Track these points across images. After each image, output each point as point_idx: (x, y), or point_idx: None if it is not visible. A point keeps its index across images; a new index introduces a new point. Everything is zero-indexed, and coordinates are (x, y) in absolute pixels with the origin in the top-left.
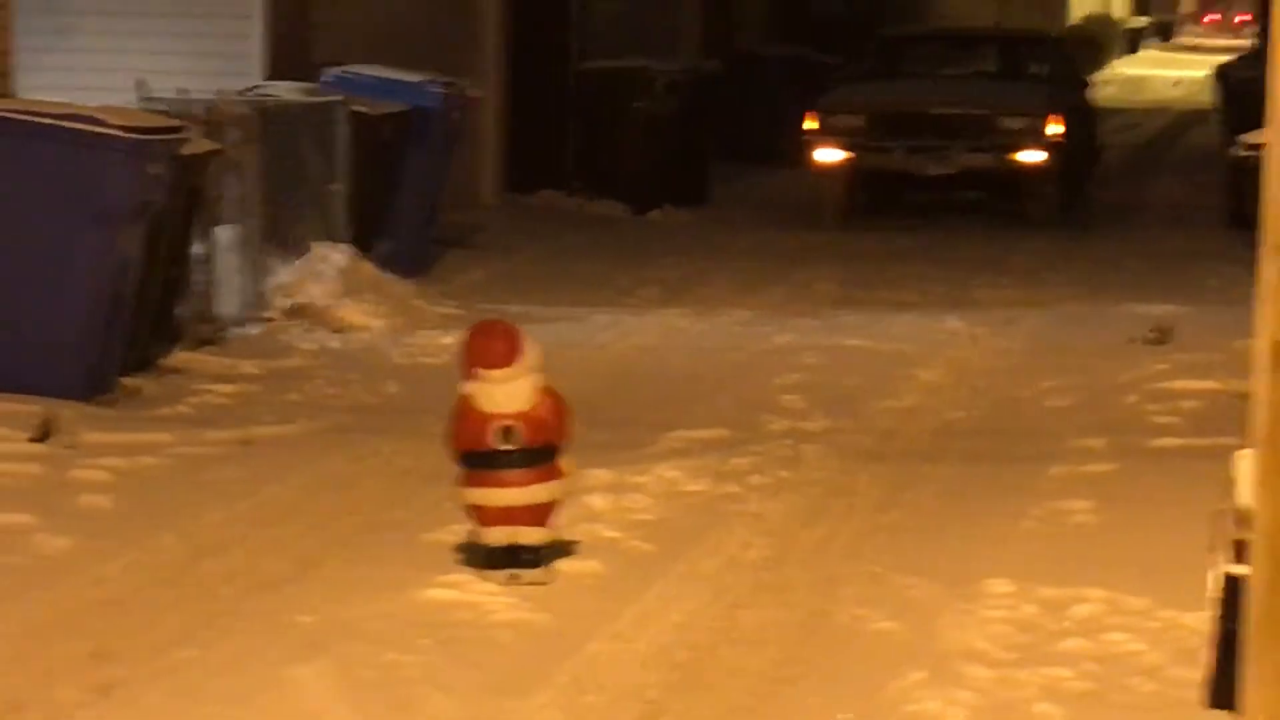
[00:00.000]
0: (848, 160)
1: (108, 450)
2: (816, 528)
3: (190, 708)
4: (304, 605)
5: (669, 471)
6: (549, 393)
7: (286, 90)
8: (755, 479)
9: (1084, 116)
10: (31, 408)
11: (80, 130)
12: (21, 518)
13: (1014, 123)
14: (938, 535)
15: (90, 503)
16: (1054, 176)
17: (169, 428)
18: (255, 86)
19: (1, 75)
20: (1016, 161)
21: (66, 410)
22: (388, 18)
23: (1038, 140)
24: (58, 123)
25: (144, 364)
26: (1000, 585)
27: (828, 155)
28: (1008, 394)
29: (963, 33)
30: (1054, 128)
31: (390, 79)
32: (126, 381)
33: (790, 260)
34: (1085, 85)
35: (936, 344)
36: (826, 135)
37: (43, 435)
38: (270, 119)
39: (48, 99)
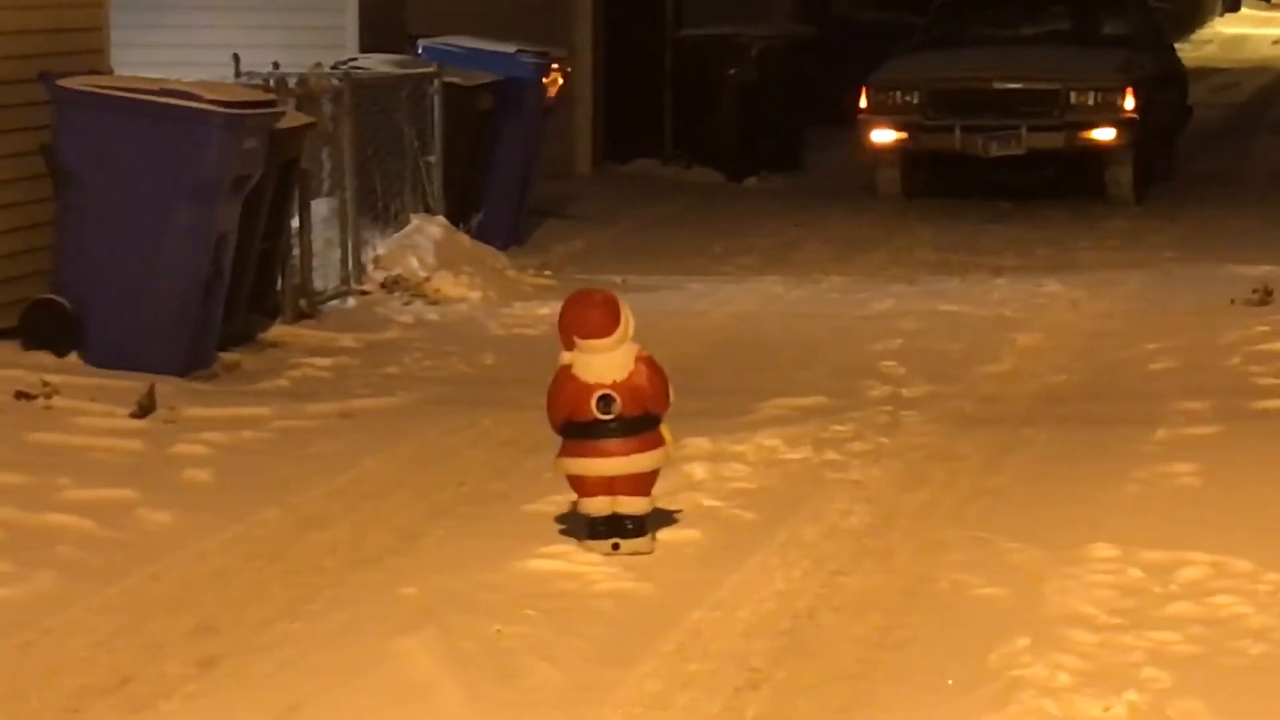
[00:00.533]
0: (902, 141)
1: (208, 425)
2: (918, 493)
3: (295, 680)
4: (408, 577)
5: (769, 439)
6: (648, 362)
7: (380, 63)
8: (855, 445)
9: (1169, 80)
10: (132, 384)
11: (176, 105)
12: (124, 493)
13: (1086, 97)
14: (1040, 500)
15: (192, 477)
16: (1130, 156)
17: (269, 401)
18: (349, 59)
19: (97, 52)
20: (1089, 140)
21: (166, 386)
22: None
23: (1112, 116)
24: (154, 99)
25: (243, 338)
26: (1104, 549)
27: (882, 136)
28: (1109, 357)
29: None
30: (1130, 101)
31: (483, 49)
32: (225, 356)
33: (887, 225)
34: (1170, 46)
35: (1036, 308)
36: (880, 114)
37: (143, 411)
38: (364, 92)
39: (143, 75)
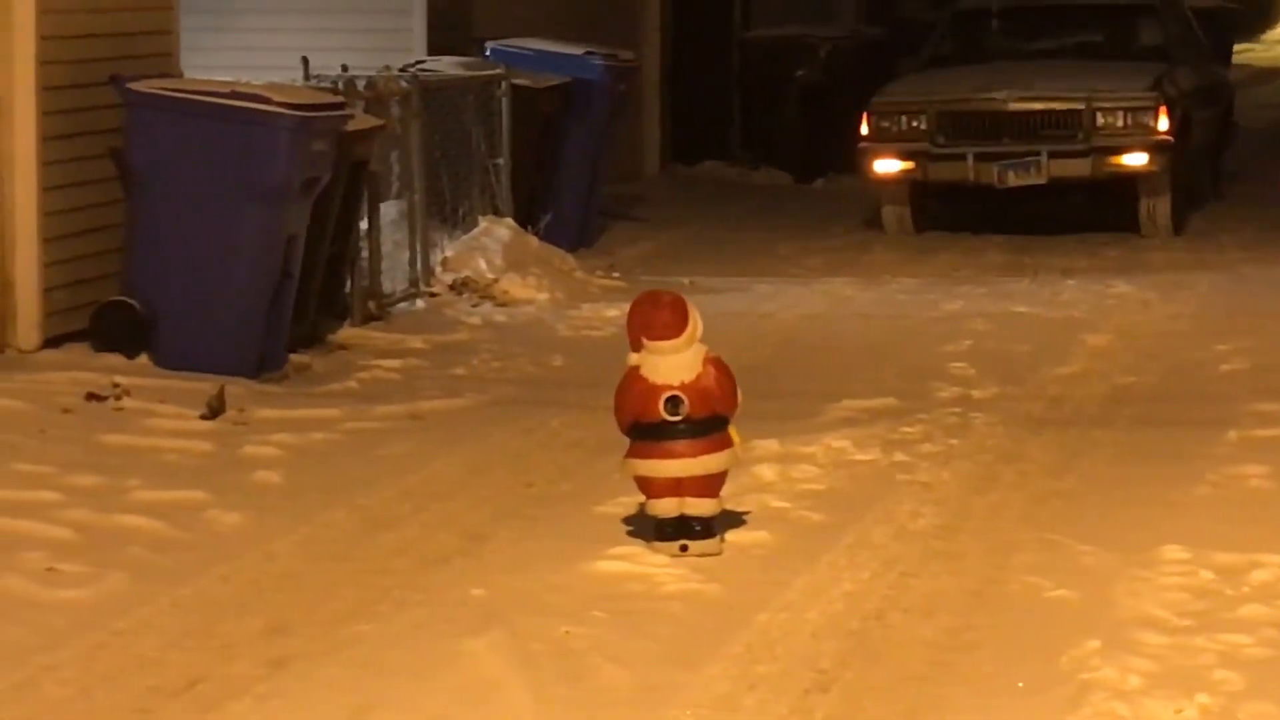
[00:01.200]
0: (909, 171)
1: (278, 426)
2: (987, 495)
3: (365, 681)
4: (476, 578)
5: (837, 441)
6: (716, 363)
7: (448, 65)
8: (924, 447)
9: (1211, 95)
10: (201, 385)
11: (245, 108)
12: (194, 494)
13: (1114, 118)
14: (1111, 502)
15: (261, 478)
16: (1167, 183)
17: (338, 403)
18: (417, 62)
19: (166, 55)
20: (1120, 166)
21: (236, 388)
22: None
23: (1144, 139)
24: (223, 101)
25: (312, 340)
26: (1175, 551)
27: (886, 166)
28: (1180, 358)
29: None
30: (1164, 120)
31: (551, 51)
32: (295, 358)
33: (956, 226)
34: (1212, 56)
35: (1106, 309)
36: (883, 141)
37: (213, 413)
38: (432, 94)
39: (213, 78)
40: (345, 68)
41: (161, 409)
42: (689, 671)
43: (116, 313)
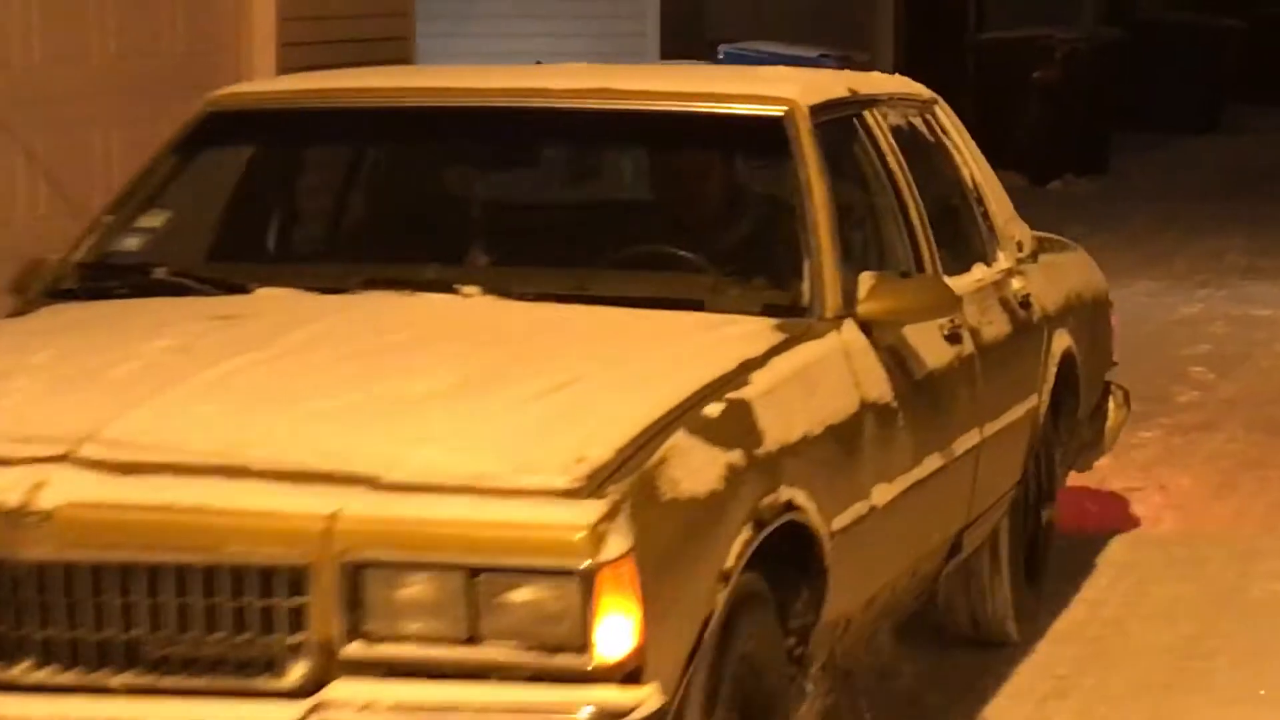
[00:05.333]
0: None
1: None
2: (1228, 501)
3: None
4: None
5: None
6: None
7: None
8: (1164, 451)
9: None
10: None
11: None
12: None
13: None
14: None
15: None
16: None
17: None
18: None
19: (403, 39)
20: None
21: None
22: None
23: None
24: None
25: None
26: None
27: None
28: None
29: None
30: None
31: (784, 54)
32: None
33: (1196, 229)
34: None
35: None
36: None
37: None
38: None
39: None
40: None
41: None
42: None
43: None
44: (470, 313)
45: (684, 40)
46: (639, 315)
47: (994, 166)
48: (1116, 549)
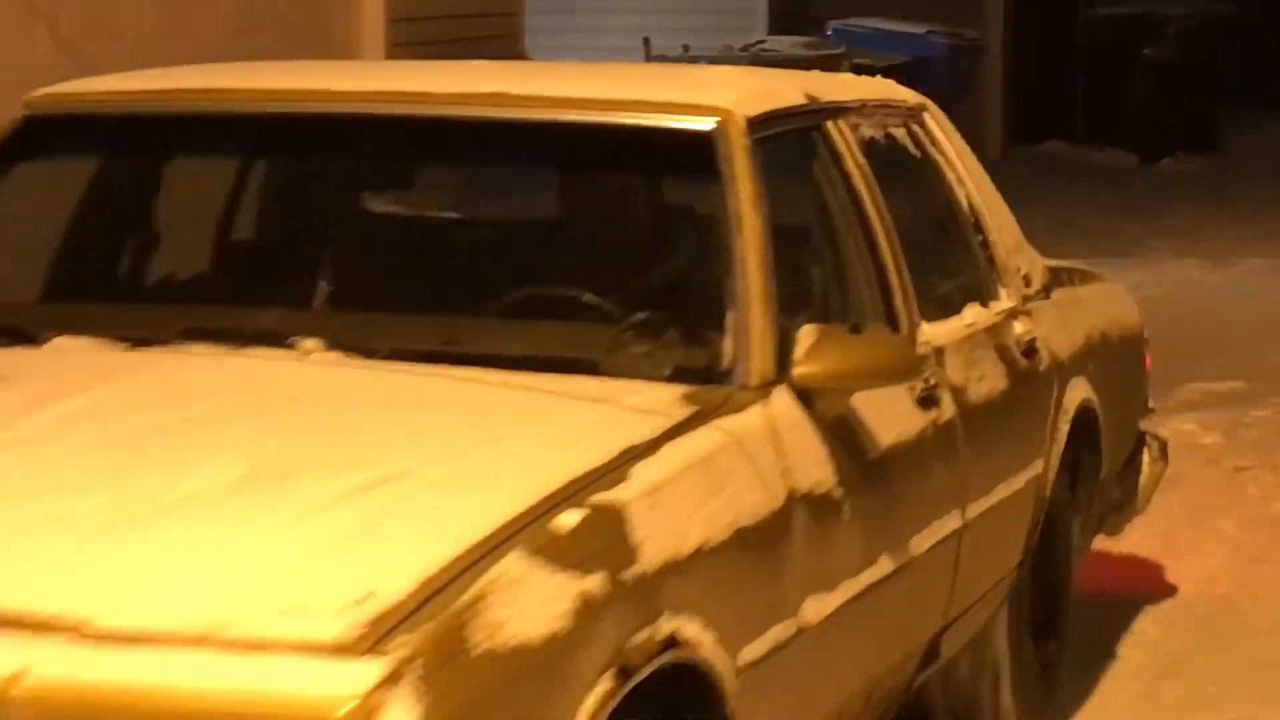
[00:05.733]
0: None
1: None
2: None
3: None
4: None
5: (1185, 424)
6: None
7: (788, 45)
8: (1275, 432)
9: None
10: None
11: None
12: None
13: None
14: None
15: None
16: None
17: None
18: (758, 41)
19: (513, 37)
20: None
21: None
22: None
23: None
24: None
25: None
26: None
27: None
28: None
29: None
30: None
31: (892, 30)
32: None
33: None
34: None
35: None
36: None
37: None
38: None
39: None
40: (686, 48)
41: None
42: None
43: None
44: (297, 377)
45: (794, 17)
46: (512, 381)
47: (1103, 144)
48: (1227, 525)
